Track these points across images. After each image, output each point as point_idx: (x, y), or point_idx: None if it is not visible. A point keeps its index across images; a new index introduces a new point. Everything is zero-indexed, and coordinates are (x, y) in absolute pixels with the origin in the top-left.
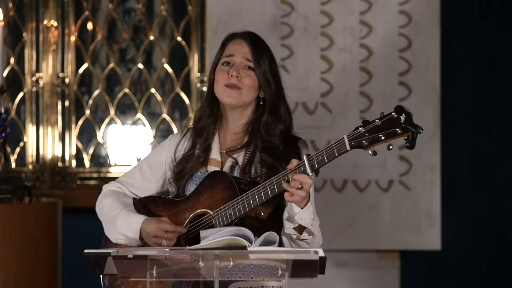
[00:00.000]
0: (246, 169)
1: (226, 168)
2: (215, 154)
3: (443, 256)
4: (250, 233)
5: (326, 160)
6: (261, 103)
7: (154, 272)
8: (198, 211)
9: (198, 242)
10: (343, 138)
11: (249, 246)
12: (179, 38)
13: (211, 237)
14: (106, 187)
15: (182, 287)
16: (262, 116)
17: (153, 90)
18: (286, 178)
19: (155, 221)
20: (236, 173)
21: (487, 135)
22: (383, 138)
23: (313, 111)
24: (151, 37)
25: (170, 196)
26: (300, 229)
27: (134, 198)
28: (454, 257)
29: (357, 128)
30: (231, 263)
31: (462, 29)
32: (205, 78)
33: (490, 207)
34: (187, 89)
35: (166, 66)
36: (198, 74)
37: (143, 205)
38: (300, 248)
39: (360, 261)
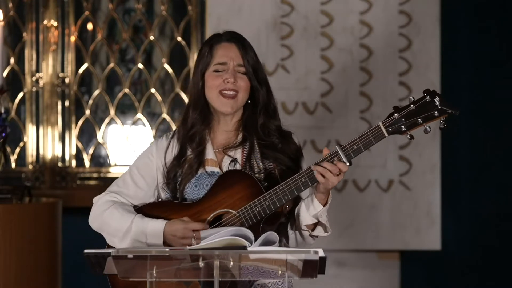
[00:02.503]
0: (246, 164)
1: (225, 166)
2: (210, 154)
3: (443, 256)
4: (250, 233)
5: (362, 148)
6: (248, 101)
7: (154, 272)
8: (219, 210)
9: None
10: (379, 125)
11: (249, 246)
12: (179, 38)
13: (211, 237)
14: (100, 199)
15: None
16: (253, 114)
17: (153, 90)
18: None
19: (179, 222)
20: None
21: (487, 135)
22: (421, 121)
23: (313, 111)
24: (151, 37)
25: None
26: (313, 226)
27: (134, 207)
28: (454, 257)
29: (391, 115)
30: (231, 263)
31: (462, 29)
32: None
33: (490, 207)
34: (187, 89)
35: (166, 66)
36: None
37: (148, 213)
38: (307, 244)
39: (360, 261)
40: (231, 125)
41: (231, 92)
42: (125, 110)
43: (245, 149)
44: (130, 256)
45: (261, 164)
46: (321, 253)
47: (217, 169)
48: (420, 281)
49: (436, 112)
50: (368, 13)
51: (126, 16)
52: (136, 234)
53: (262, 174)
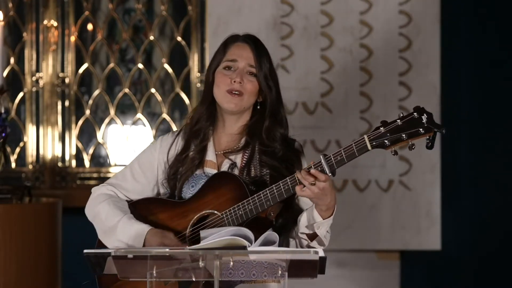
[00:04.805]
0: (244, 170)
1: (224, 169)
2: (211, 156)
3: (443, 256)
4: (250, 233)
5: (345, 160)
6: (258, 107)
7: (154, 272)
8: (204, 211)
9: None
10: (363, 138)
11: (249, 246)
12: (179, 38)
13: (211, 237)
14: (97, 190)
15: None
16: (260, 120)
17: (153, 90)
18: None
19: (159, 235)
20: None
21: (487, 135)
22: (405, 138)
23: (313, 111)
24: (151, 37)
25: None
26: (312, 236)
27: (128, 201)
28: (454, 257)
29: (377, 128)
30: (231, 262)
31: (462, 29)
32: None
33: (490, 207)
34: (187, 89)
35: (166, 66)
36: (198, 74)
37: (140, 208)
38: None
39: (360, 261)
40: (236, 128)
41: (236, 93)
42: (125, 110)
43: (246, 155)
44: (130, 256)
45: (258, 171)
46: (321, 253)
47: (215, 171)
48: (420, 281)
49: (421, 129)
50: (368, 13)
51: (126, 16)
52: (120, 234)
53: (265, 178)
